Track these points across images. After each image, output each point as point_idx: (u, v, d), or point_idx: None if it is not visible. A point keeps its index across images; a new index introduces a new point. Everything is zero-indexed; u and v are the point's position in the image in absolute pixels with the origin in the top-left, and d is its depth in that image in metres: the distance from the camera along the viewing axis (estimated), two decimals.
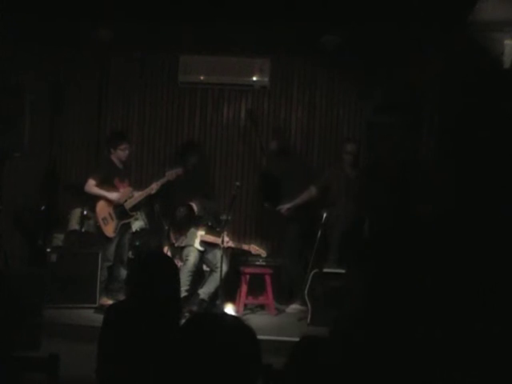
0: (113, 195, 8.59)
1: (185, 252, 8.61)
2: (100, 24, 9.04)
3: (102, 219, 8.52)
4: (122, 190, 8.65)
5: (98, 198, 8.57)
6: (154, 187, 8.77)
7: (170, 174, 8.85)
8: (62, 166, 10.09)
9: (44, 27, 8.88)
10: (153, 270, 3.69)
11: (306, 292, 8.36)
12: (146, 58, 10.20)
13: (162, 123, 10.39)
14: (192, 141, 9.98)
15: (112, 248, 8.59)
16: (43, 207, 9.23)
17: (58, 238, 9.18)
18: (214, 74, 10.13)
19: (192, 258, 8.54)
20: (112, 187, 8.60)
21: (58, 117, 10.04)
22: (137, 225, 9.09)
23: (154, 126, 10.38)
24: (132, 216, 8.78)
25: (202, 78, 10.18)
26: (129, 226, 8.81)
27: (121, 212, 8.61)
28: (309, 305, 8.30)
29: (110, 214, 8.55)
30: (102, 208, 8.54)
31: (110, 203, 8.56)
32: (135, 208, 8.80)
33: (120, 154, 8.67)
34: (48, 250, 8.65)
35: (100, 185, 8.57)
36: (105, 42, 9.29)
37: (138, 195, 8.72)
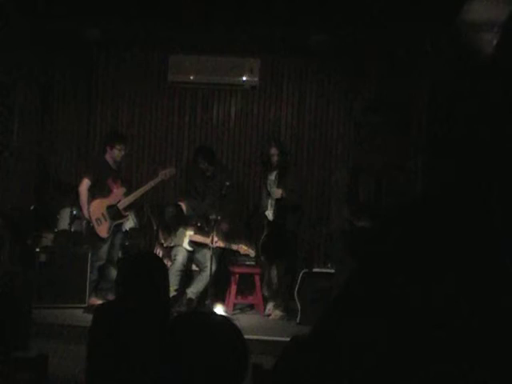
0: (84, 209, 8.58)
1: (173, 252, 8.62)
2: (89, 24, 9.03)
3: (96, 220, 8.49)
4: (115, 191, 8.64)
5: (91, 198, 8.54)
6: (147, 187, 8.75)
7: (164, 174, 8.82)
8: (52, 165, 10.07)
9: (33, 27, 8.85)
10: (142, 269, 3.69)
11: (295, 292, 8.37)
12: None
13: (151, 123, 10.38)
14: (202, 146, 9.75)
15: (105, 247, 8.55)
16: (32, 207, 9.21)
17: (48, 238, 9.15)
18: (203, 74, 10.13)
19: (180, 257, 8.54)
20: (105, 187, 8.59)
21: (48, 117, 10.03)
22: (127, 225, 9.07)
23: (144, 125, 10.37)
24: (125, 216, 8.76)
25: (191, 77, 10.17)
26: (121, 226, 8.79)
27: (114, 212, 8.59)
28: (298, 304, 8.30)
29: (103, 214, 8.53)
30: (95, 208, 8.52)
31: (103, 204, 8.55)
32: (128, 208, 8.78)
33: (116, 153, 8.63)
34: (37, 249, 8.63)
35: (93, 185, 8.56)
36: (94, 41, 9.27)
37: (132, 195, 8.70)
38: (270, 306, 8.84)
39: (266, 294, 8.93)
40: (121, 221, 8.72)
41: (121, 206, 8.63)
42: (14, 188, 9.37)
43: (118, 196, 8.65)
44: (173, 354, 2.05)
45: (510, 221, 1.01)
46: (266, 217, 8.82)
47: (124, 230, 8.98)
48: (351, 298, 1.10)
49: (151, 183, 8.78)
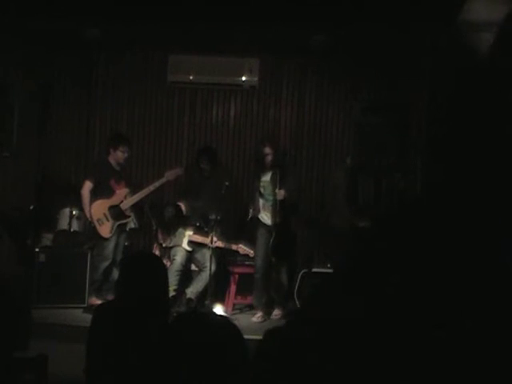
0: (86, 211, 8.57)
1: (172, 252, 8.61)
2: (89, 24, 9.03)
3: (97, 220, 8.48)
4: (117, 192, 8.63)
5: (93, 199, 8.53)
6: (152, 188, 8.71)
7: (170, 175, 8.77)
8: (51, 165, 10.06)
9: (32, 28, 8.85)
10: (141, 269, 3.69)
11: (295, 292, 8.37)
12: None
13: (151, 123, 10.38)
14: (206, 146, 9.76)
15: (111, 247, 8.50)
16: (32, 207, 9.20)
17: (47, 238, 9.16)
18: (203, 74, 10.12)
19: (179, 257, 8.53)
20: (107, 188, 8.57)
21: (48, 117, 10.02)
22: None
23: (143, 126, 10.37)
24: (129, 216, 8.73)
25: (191, 77, 10.17)
26: (125, 226, 8.76)
27: (117, 213, 8.57)
28: (298, 305, 8.30)
29: (104, 214, 8.51)
30: (96, 209, 8.51)
31: (105, 204, 8.54)
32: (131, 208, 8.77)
33: (119, 155, 8.61)
34: (37, 249, 8.63)
35: (96, 186, 8.54)
36: (94, 41, 9.27)
37: (136, 196, 8.68)
38: (277, 311, 8.73)
39: (275, 296, 8.81)
40: (124, 221, 8.69)
41: (124, 206, 8.62)
42: (14, 188, 9.37)
43: (121, 197, 8.64)
44: (173, 354, 2.05)
45: (510, 221, 1.01)
46: (259, 219, 8.69)
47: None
48: (348, 297, 1.10)
49: (156, 184, 8.73)
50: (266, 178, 8.57)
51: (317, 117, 10.31)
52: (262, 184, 8.61)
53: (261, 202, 8.61)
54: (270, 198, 8.49)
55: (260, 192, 8.62)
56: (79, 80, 10.23)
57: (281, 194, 8.34)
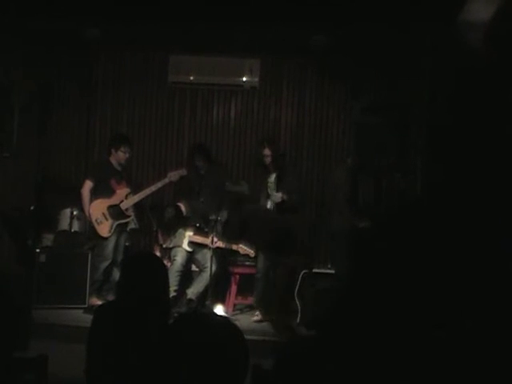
0: (86, 210, 8.58)
1: (172, 252, 8.61)
2: (89, 24, 9.03)
3: (95, 220, 8.49)
4: (118, 192, 8.63)
5: (93, 198, 8.54)
6: (153, 188, 8.71)
7: (173, 175, 8.74)
8: (51, 165, 10.07)
9: (32, 28, 8.85)
10: (141, 270, 3.69)
11: (295, 292, 8.37)
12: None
13: (151, 124, 10.38)
14: (199, 144, 9.71)
15: (110, 247, 8.51)
16: (32, 207, 9.20)
17: (48, 238, 9.16)
18: (203, 75, 10.13)
19: (179, 258, 8.53)
20: (108, 188, 8.58)
21: (48, 117, 10.02)
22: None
23: (144, 126, 10.37)
24: (129, 216, 8.72)
25: (191, 78, 10.17)
26: (126, 226, 8.76)
27: (116, 212, 8.57)
28: (298, 305, 8.30)
29: (103, 214, 8.52)
30: (95, 209, 8.52)
31: (104, 204, 8.54)
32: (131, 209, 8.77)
33: (121, 155, 8.62)
34: (37, 250, 8.63)
35: (96, 186, 8.55)
36: (94, 41, 9.27)
37: (137, 196, 8.67)
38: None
39: (274, 297, 8.77)
40: (124, 221, 8.68)
41: (124, 206, 8.62)
42: (14, 188, 9.37)
43: (121, 196, 8.64)
44: (173, 354, 2.06)
45: (510, 221, 1.01)
46: None
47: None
48: (352, 299, 1.10)
49: (158, 184, 8.73)
50: (271, 179, 8.64)
51: (317, 117, 10.31)
52: (268, 185, 8.66)
53: (268, 203, 8.64)
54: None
55: (267, 193, 8.66)
56: (79, 80, 10.23)
57: (278, 196, 8.39)
